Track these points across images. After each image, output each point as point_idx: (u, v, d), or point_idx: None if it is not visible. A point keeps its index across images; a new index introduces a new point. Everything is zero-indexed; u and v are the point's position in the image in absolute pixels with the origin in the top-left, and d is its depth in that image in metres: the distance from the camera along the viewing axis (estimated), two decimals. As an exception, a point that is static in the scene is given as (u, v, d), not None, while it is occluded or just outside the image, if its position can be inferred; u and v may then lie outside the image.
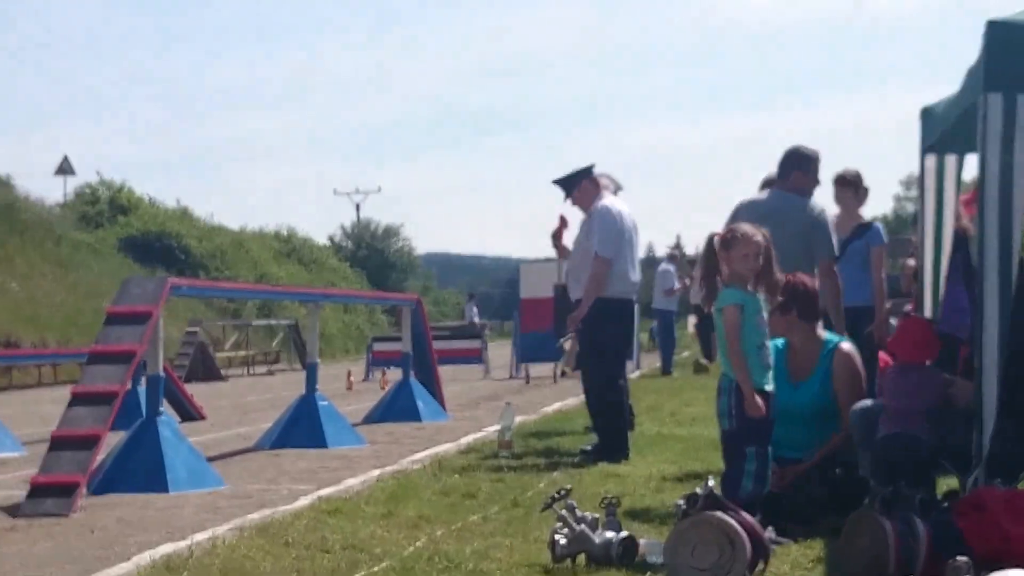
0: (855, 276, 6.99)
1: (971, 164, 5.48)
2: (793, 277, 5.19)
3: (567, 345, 7.70)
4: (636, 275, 7.47)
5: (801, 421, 5.03)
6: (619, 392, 7.34)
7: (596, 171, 7.62)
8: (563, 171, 7.58)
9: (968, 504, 4.07)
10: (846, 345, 5.23)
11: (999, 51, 4.17)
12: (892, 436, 4.72)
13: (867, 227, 7.18)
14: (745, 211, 6.16)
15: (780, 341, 5.22)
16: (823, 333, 5.27)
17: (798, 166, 6.26)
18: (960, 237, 5.98)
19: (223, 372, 23.49)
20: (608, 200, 7.41)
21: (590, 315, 7.25)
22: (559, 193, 7.60)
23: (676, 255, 20.05)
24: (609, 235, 7.23)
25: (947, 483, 4.99)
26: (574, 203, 7.52)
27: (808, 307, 5.18)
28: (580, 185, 7.44)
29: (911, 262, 8.21)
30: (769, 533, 4.20)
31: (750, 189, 6.60)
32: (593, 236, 7.27)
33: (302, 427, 9.00)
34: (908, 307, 7.89)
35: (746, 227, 4.66)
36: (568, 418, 10.17)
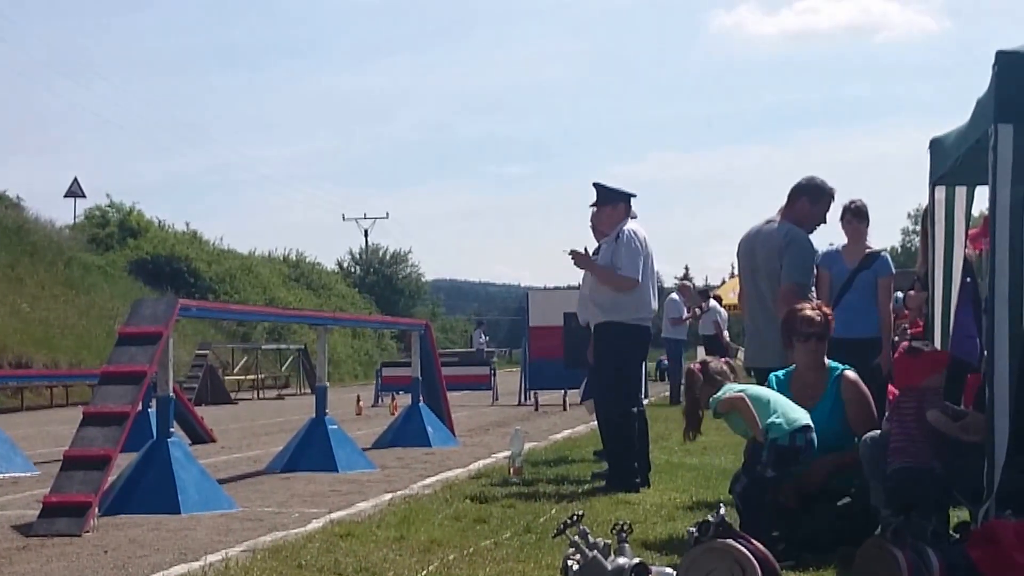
0: (863, 307, 6.98)
1: (981, 196, 5.52)
2: (825, 306, 5.47)
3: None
4: (655, 303, 7.50)
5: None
6: (633, 419, 7.33)
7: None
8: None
9: (980, 536, 4.07)
10: (851, 373, 5.33)
11: (1009, 82, 4.18)
12: (902, 470, 4.71)
13: (875, 257, 7.19)
14: (742, 241, 6.52)
15: (781, 372, 5.35)
16: (826, 360, 5.37)
17: (807, 194, 6.35)
18: (967, 264, 6.05)
19: (232, 395, 23.55)
20: (634, 225, 7.41)
21: (607, 340, 7.24)
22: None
23: (687, 285, 20.08)
24: (635, 258, 7.24)
25: (958, 514, 5.01)
26: (601, 215, 7.45)
27: (829, 336, 5.37)
28: (620, 204, 7.42)
29: (912, 293, 8.22)
30: None
31: (760, 219, 6.65)
32: (619, 258, 7.25)
33: (313, 451, 9.02)
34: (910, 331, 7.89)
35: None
36: (578, 445, 10.18)
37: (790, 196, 6.39)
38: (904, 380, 4.88)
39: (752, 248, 6.39)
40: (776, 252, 6.20)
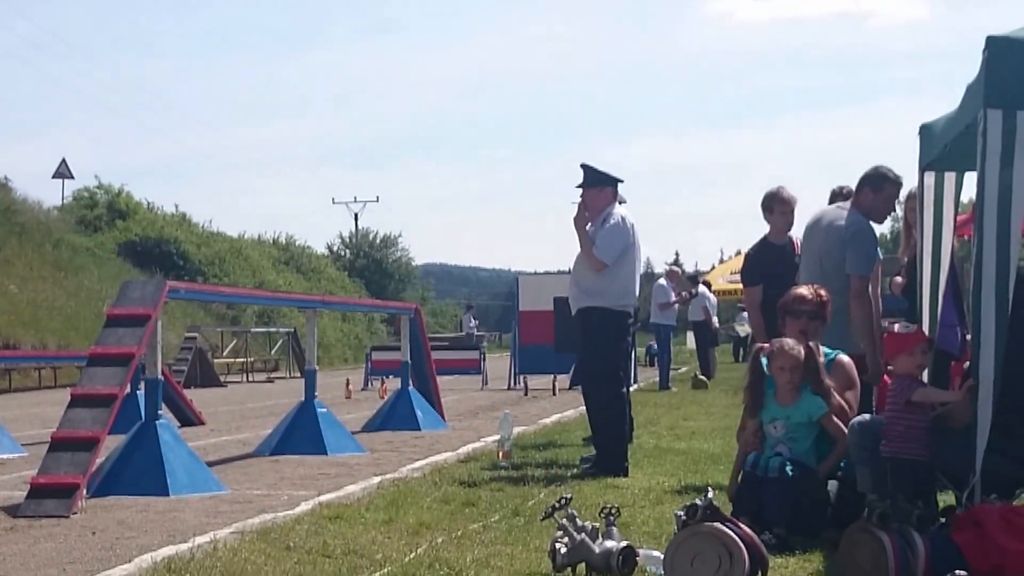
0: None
1: (970, 182, 5.52)
2: (822, 289, 5.53)
3: None
4: (637, 289, 7.50)
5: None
6: (619, 405, 7.34)
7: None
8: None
9: (965, 520, 4.10)
10: (844, 357, 5.36)
11: (999, 67, 4.18)
12: (892, 460, 4.73)
13: None
14: (809, 223, 6.47)
15: None
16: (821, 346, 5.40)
17: (869, 183, 6.26)
18: (952, 255, 6.06)
19: (222, 378, 23.52)
20: (621, 211, 7.39)
21: (590, 326, 7.25)
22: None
23: (675, 271, 20.12)
24: (615, 243, 7.23)
25: (943, 499, 5.03)
26: (586, 197, 7.38)
27: (826, 318, 5.46)
28: (607, 188, 7.37)
29: (898, 279, 8.24)
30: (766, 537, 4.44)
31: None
32: (597, 238, 7.24)
33: (302, 434, 9.02)
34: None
35: (787, 341, 5.14)
36: (567, 430, 10.20)
37: (856, 187, 6.30)
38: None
39: (814, 232, 6.34)
40: (839, 242, 6.13)
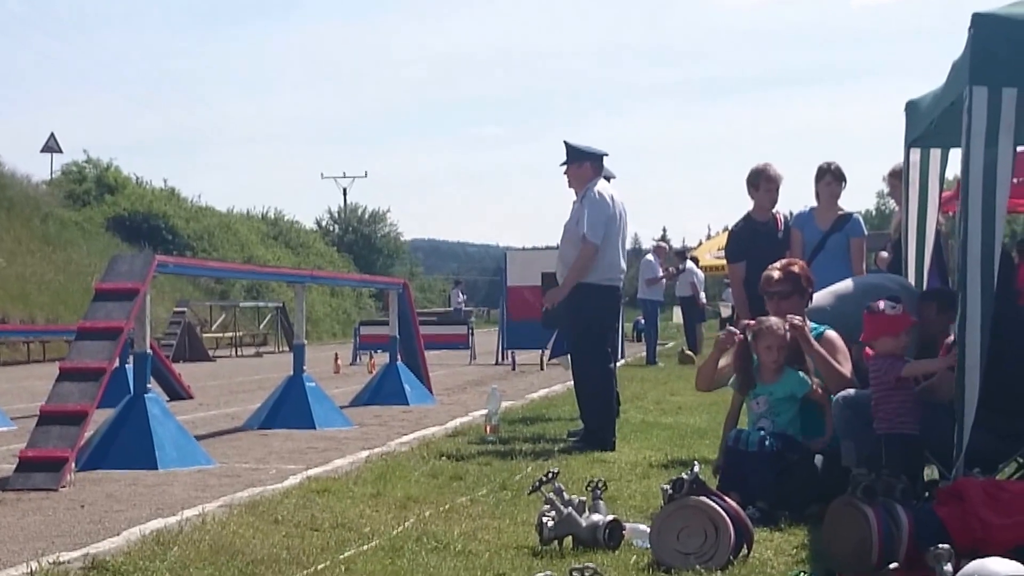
0: (834, 269, 6.99)
1: (955, 159, 5.54)
2: (794, 264, 5.61)
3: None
4: (623, 263, 7.53)
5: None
6: (606, 380, 7.38)
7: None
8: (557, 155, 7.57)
9: (948, 494, 4.13)
10: (831, 332, 5.41)
11: (984, 44, 4.18)
12: (888, 437, 4.75)
13: (847, 219, 7.22)
14: None
15: None
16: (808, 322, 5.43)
17: None
18: (936, 231, 6.07)
19: (210, 353, 23.50)
20: (601, 186, 7.43)
21: (577, 302, 7.28)
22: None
23: (662, 246, 20.14)
24: (599, 220, 7.26)
25: (927, 473, 5.08)
26: (568, 174, 7.46)
27: (810, 294, 5.53)
28: (585, 163, 7.42)
29: (884, 254, 8.26)
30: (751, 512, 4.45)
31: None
32: (583, 220, 7.28)
33: (290, 408, 9.04)
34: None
35: (773, 320, 5.21)
36: (554, 404, 10.24)
37: None
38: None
39: None
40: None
